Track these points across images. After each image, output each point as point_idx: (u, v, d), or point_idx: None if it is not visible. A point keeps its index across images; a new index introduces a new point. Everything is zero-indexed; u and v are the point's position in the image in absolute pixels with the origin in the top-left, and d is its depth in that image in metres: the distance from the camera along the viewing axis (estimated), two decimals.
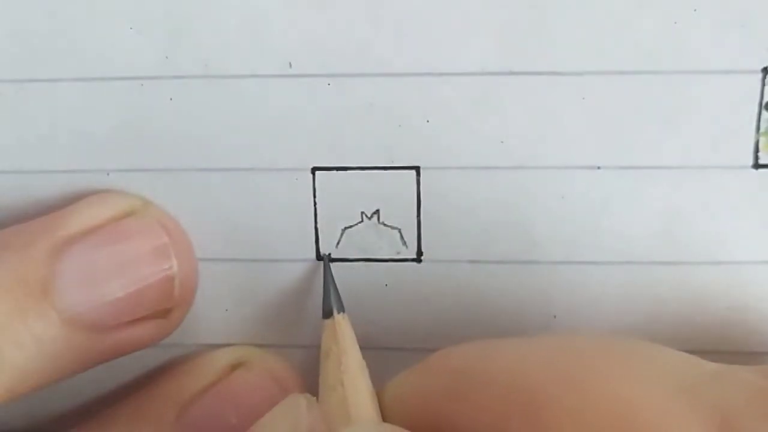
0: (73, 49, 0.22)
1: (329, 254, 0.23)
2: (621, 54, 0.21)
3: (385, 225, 0.23)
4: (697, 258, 0.22)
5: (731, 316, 0.23)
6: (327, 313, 0.22)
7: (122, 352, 0.23)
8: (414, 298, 0.24)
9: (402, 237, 0.23)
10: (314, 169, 0.23)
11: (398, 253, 0.23)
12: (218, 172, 0.23)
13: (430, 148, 0.22)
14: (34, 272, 0.21)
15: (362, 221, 0.23)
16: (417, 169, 0.23)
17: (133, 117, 0.23)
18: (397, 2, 0.21)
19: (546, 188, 0.22)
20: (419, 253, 0.23)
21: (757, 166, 0.22)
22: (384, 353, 0.24)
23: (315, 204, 0.23)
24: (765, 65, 0.21)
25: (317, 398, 0.19)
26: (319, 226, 0.23)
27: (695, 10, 0.21)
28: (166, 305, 0.23)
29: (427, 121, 0.22)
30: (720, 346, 0.23)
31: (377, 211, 0.23)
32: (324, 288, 0.22)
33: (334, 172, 0.23)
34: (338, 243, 0.23)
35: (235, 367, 0.24)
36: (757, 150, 0.22)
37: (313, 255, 0.23)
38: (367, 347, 0.21)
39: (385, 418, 0.20)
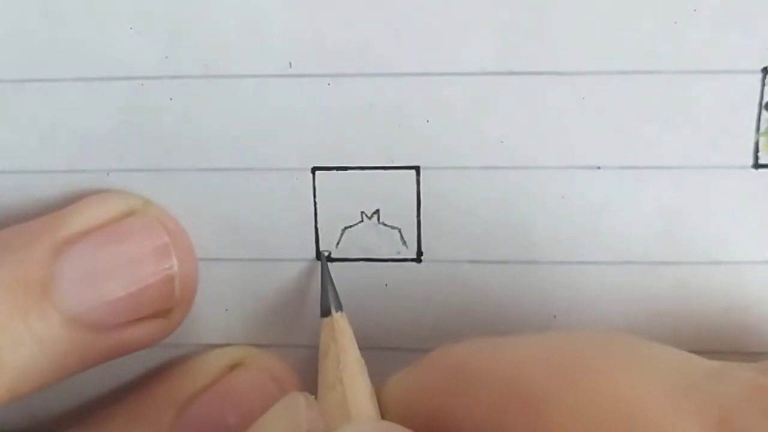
0: (73, 49, 0.22)
1: (328, 253, 0.23)
2: (621, 54, 0.21)
3: (385, 225, 0.23)
4: (697, 258, 0.22)
5: (731, 316, 0.23)
6: (325, 312, 0.22)
7: (122, 352, 0.23)
8: (414, 298, 0.24)
9: (402, 237, 0.23)
10: (314, 169, 0.23)
11: (398, 253, 0.23)
12: (218, 172, 0.23)
13: (430, 148, 0.22)
14: (35, 272, 0.21)
15: (362, 221, 0.23)
16: (417, 169, 0.23)
17: (133, 117, 0.23)
18: (397, 2, 0.21)
19: (546, 188, 0.22)
20: (419, 253, 0.23)
21: (757, 166, 0.22)
22: (383, 353, 0.24)
23: (315, 204, 0.23)
24: (765, 65, 0.21)
25: (316, 397, 0.19)
26: (319, 225, 0.23)
27: (695, 10, 0.21)
28: (167, 305, 0.23)
29: (427, 121, 0.22)
30: (720, 346, 0.23)
31: (377, 211, 0.23)
32: (322, 287, 0.22)
33: (334, 172, 0.23)
34: (338, 243, 0.23)
35: (233, 367, 0.24)
36: (757, 150, 0.22)
37: (313, 255, 0.23)
38: (366, 347, 0.21)
39: (384, 415, 0.20)
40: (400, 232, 0.23)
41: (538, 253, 0.23)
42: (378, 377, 0.21)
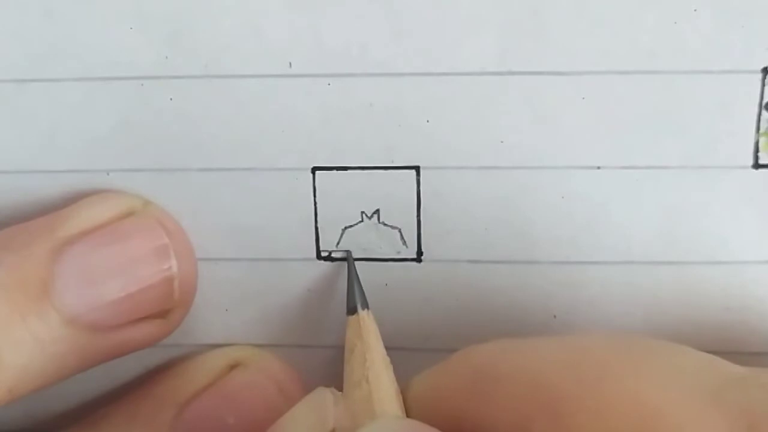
0: (73, 49, 0.22)
1: (351, 252, 0.23)
2: (621, 54, 0.21)
3: (385, 225, 0.23)
4: (697, 258, 0.22)
5: (731, 316, 0.23)
6: (351, 310, 0.22)
7: (122, 352, 0.23)
8: (414, 297, 0.24)
9: (402, 237, 0.23)
10: (314, 169, 0.23)
11: (398, 252, 0.23)
12: (218, 172, 0.23)
13: (430, 148, 0.22)
14: (34, 272, 0.21)
15: (362, 221, 0.23)
16: (417, 169, 0.23)
17: (133, 117, 0.23)
18: (396, 2, 0.21)
19: (546, 188, 0.22)
20: (419, 252, 0.23)
21: (757, 166, 0.22)
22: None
23: (315, 204, 0.23)
24: (765, 65, 0.21)
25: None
26: (319, 225, 0.23)
27: (695, 10, 0.21)
28: (166, 306, 0.23)
29: (427, 121, 0.22)
30: (720, 346, 0.23)
31: (377, 211, 0.23)
32: (348, 284, 0.22)
33: (334, 172, 0.23)
34: (338, 242, 0.23)
35: (233, 367, 0.24)
36: (757, 150, 0.22)
37: (314, 254, 0.23)
38: None
39: (408, 414, 0.20)
40: (400, 232, 0.23)
41: (538, 253, 0.23)
42: None
